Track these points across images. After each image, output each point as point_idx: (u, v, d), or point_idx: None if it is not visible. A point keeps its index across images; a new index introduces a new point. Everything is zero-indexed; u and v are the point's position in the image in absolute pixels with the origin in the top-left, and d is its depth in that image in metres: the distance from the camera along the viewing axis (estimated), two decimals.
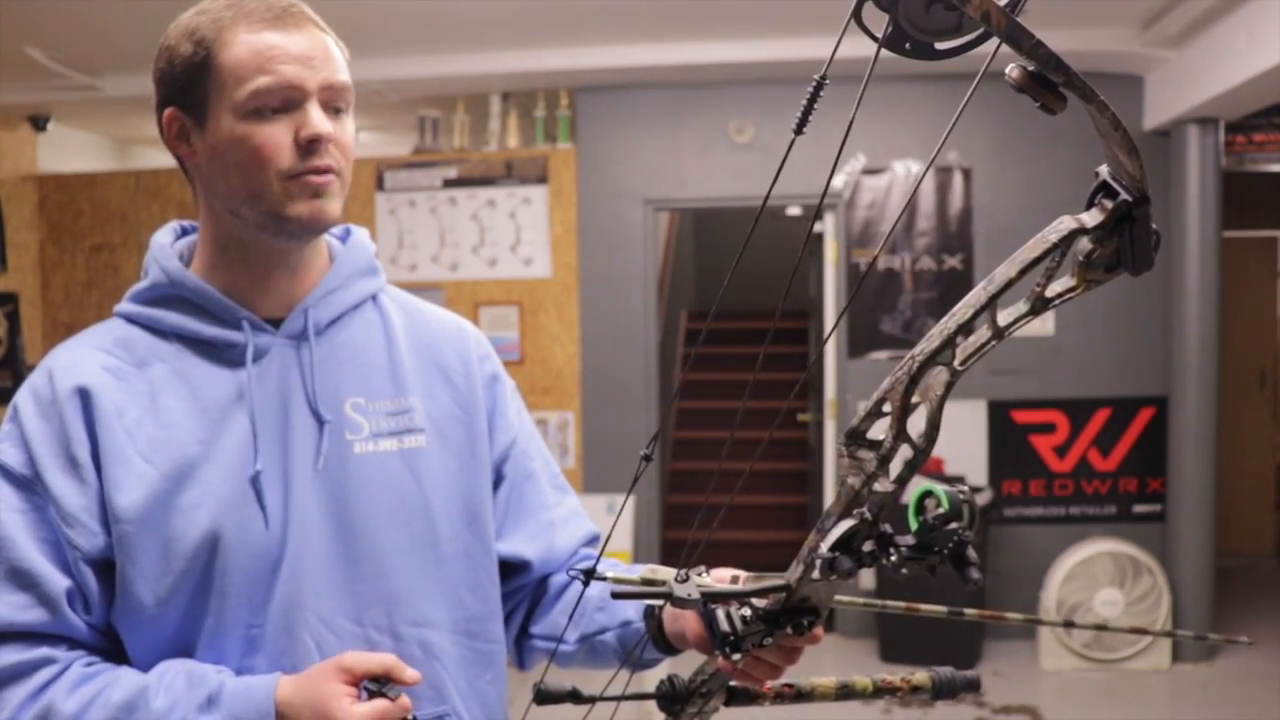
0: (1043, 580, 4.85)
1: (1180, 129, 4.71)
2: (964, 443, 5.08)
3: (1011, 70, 0.64)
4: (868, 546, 0.78)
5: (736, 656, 0.83)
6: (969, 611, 1.13)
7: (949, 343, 0.74)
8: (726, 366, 6.44)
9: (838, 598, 0.98)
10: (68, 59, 4.62)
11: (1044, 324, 5.07)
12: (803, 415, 6.17)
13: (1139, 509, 5.10)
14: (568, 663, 1.20)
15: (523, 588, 1.25)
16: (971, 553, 0.80)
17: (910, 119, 5.04)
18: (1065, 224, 0.72)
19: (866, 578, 5.06)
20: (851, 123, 0.73)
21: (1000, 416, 5.11)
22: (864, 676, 0.98)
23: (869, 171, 5.09)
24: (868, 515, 0.77)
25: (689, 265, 8.64)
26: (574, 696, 0.92)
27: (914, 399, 0.76)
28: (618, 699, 0.95)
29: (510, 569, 1.22)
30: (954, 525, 0.80)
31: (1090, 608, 4.74)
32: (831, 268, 5.23)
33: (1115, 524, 5.07)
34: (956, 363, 0.76)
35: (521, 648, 1.27)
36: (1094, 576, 4.75)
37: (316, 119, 1.03)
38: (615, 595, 0.81)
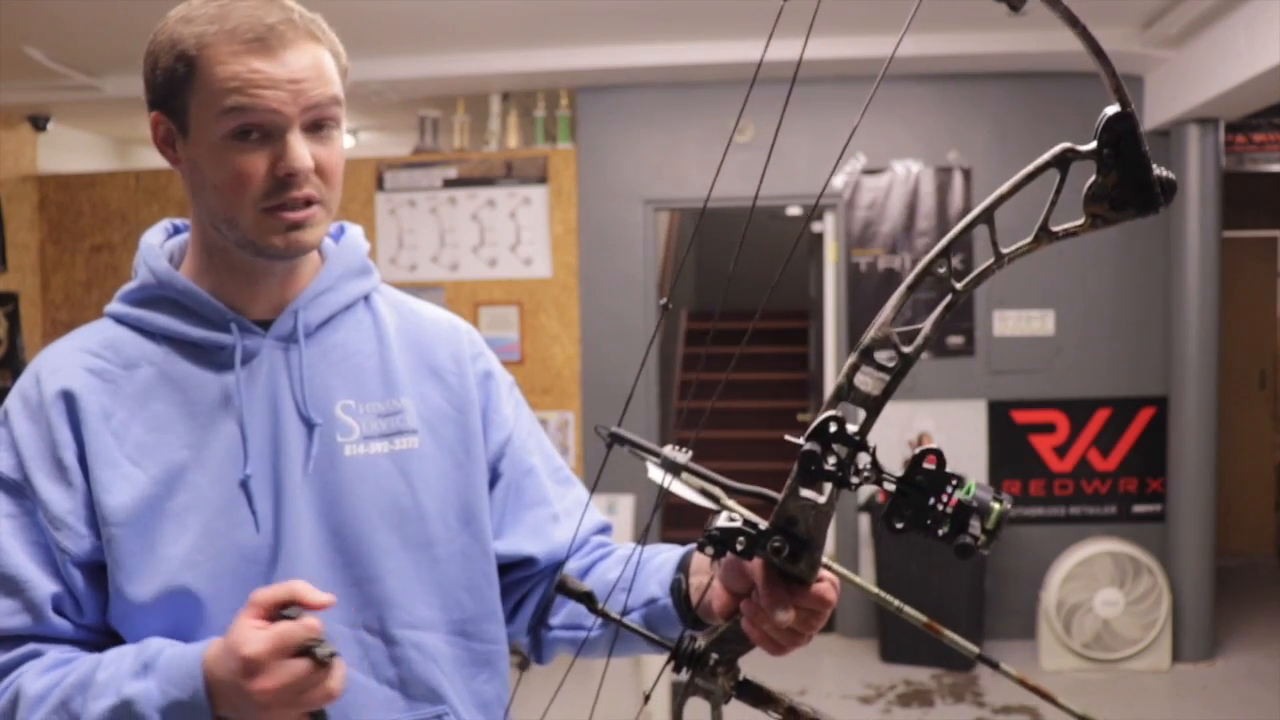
0: (1043, 580, 4.85)
1: (1180, 129, 4.71)
2: (964, 443, 5.08)
3: None
4: (843, 451, 0.80)
5: (710, 550, 0.86)
6: (1006, 668, 1.08)
7: (943, 253, 0.78)
8: (727, 366, 6.43)
9: (849, 575, 0.97)
10: (68, 59, 4.62)
11: (1044, 324, 5.07)
12: (802, 415, 6.18)
13: (1139, 509, 5.10)
14: (592, 651, 1.17)
15: (529, 579, 1.23)
16: (975, 524, 0.80)
17: (910, 119, 5.04)
18: (1060, 146, 0.75)
19: (866, 575, 5.06)
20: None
21: (1000, 416, 5.11)
22: None
23: (869, 171, 5.09)
24: (842, 415, 0.80)
25: (689, 265, 8.63)
26: (588, 600, 0.92)
27: (919, 325, 0.79)
28: (627, 626, 0.94)
29: (513, 565, 1.21)
30: (969, 500, 0.80)
31: (1090, 608, 4.74)
32: (831, 268, 5.24)
33: (1115, 524, 5.07)
34: (959, 285, 0.80)
35: (540, 640, 1.24)
36: (1094, 576, 4.75)
37: (295, 153, 1.01)
38: (615, 439, 0.86)
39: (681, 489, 0.89)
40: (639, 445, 0.88)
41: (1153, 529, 5.03)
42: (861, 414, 0.81)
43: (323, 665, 0.91)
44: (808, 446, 0.80)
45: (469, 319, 1.32)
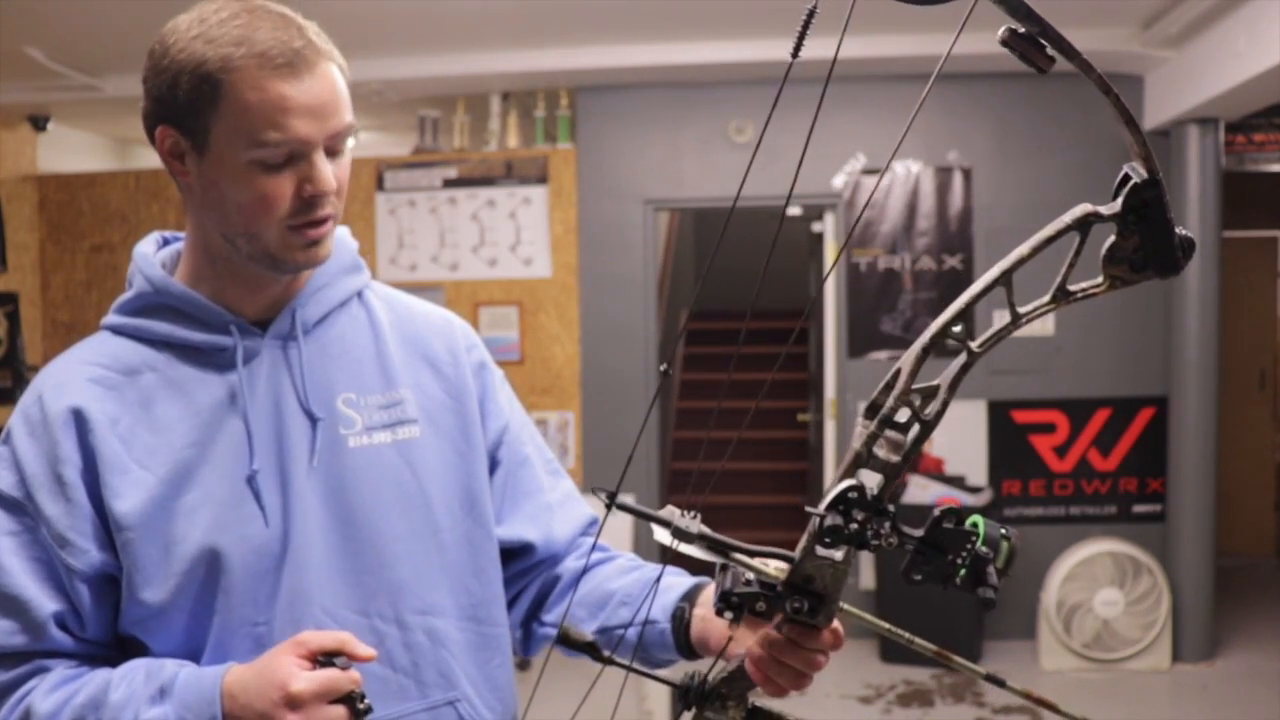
0: (1043, 580, 4.85)
1: (1180, 129, 4.71)
2: (964, 443, 5.08)
3: (1001, 31, 0.67)
4: (862, 516, 0.80)
5: (729, 614, 0.87)
6: (1012, 685, 1.08)
7: (961, 314, 0.77)
8: (726, 366, 6.42)
9: (863, 615, 0.98)
10: (68, 59, 4.62)
11: (1044, 324, 5.06)
12: (802, 415, 6.17)
13: (1139, 509, 5.10)
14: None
15: (527, 570, 1.26)
16: (992, 573, 0.81)
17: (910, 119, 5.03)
18: (1081, 208, 0.75)
19: (866, 577, 5.06)
20: (816, 115, 0.73)
21: (1000, 416, 5.11)
22: None
23: (869, 171, 5.09)
24: (861, 482, 0.79)
25: (689, 265, 8.64)
26: (592, 649, 0.93)
27: (936, 382, 0.79)
28: (633, 669, 0.96)
29: (512, 553, 1.24)
30: (984, 550, 0.81)
31: (1090, 608, 4.74)
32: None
33: (1115, 524, 5.07)
34: (975, 345, 0.79)
35: (530, 633, 1.27)
36: (1094, 576, 4.75)
37: (322, 174, 1.03)
38: (616, 506, 0.85)
39: (691, 549, 0.89)
40: (643, 514, 0.86)
41: (1153, 529, 5.03)
42: (879, 477, 0.82)
43: (359, 717, 0.96)
44: (830, 520, 0.80)
45: (469, 319, 1.34)
